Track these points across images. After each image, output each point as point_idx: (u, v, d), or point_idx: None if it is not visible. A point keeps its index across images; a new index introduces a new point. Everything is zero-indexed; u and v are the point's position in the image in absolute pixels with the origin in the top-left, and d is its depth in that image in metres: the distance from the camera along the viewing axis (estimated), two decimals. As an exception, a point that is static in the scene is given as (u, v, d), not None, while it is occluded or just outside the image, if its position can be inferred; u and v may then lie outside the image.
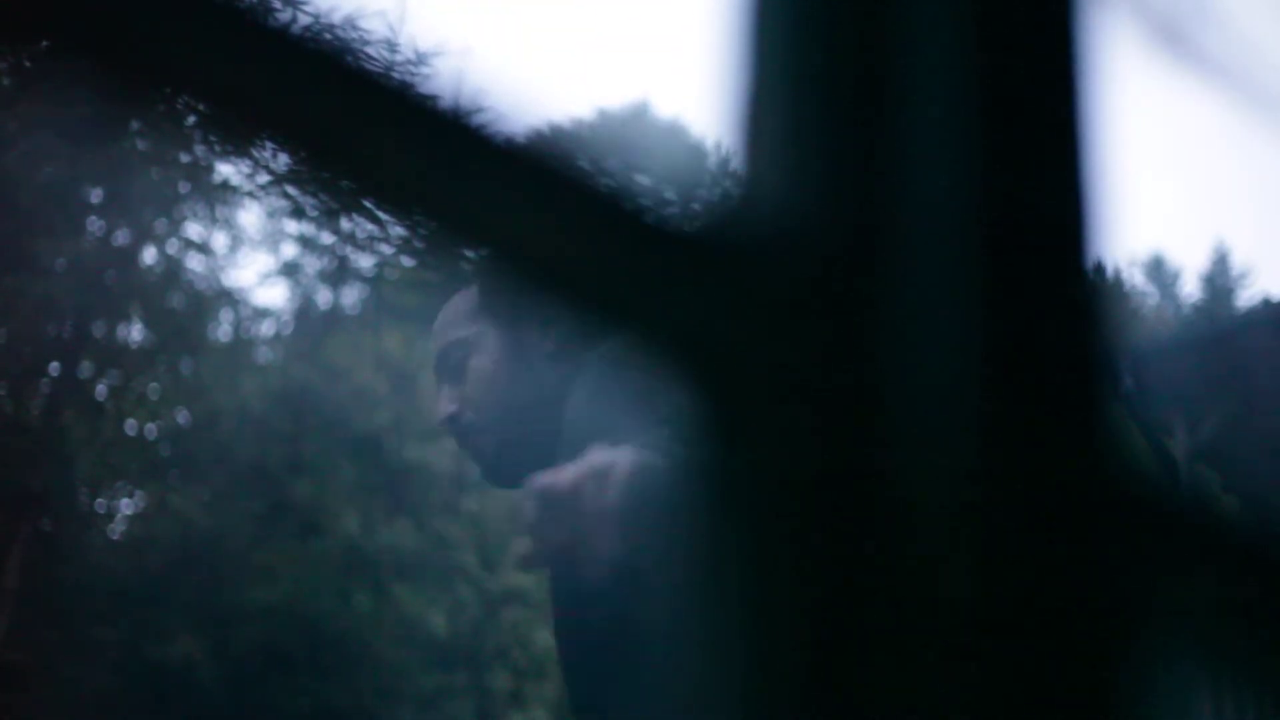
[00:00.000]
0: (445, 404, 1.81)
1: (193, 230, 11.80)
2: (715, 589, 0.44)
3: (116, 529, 14.25)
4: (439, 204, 0.43)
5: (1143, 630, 0.45)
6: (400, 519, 14.32)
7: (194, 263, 12.28)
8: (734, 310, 0.44)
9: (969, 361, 0.44)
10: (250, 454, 13.89)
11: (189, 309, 12.32)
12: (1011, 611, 0.43)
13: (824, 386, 0.43)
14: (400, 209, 0.43)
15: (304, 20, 0.42)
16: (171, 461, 13.94)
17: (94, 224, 11.05)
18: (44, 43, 0.39)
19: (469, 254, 0.44)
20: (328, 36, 0.42)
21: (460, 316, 1.81)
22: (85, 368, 11.33)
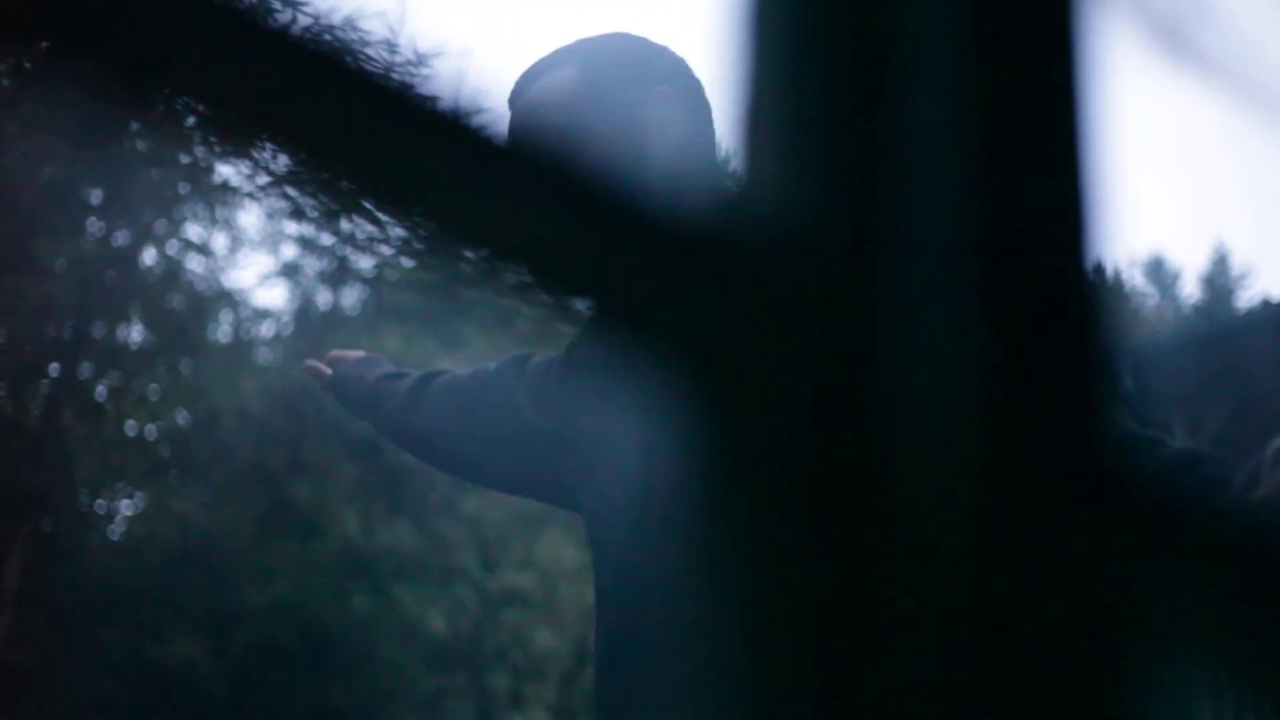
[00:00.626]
0: None
1: (193, 231, 11.81)
2: (715, 588, 0.44)
3: (116, 529, 14.24)
4: (439, 204, 0.43)
5: (1142, 629, 0.45)
6: (400, 519, 14.31)
7: (194, 263, 12.29)
8: (734, 309, 0.44)
9: (969, 361, 0.44)
10: (250, 454, 13.89)
11: (189, 309, 12.33)
12: (1011, 610, 0.43)
13: (824, 385, 0.43)
14: (400, 209, 0.43)
15: (304, 21, 0.42)
16: (171, 462, 13.94)
17: (94, 224, 11.05)
18: (44, 43, 0.39)
19: (469, 254, 0.44)
20: (328, 37, 0.42)
21: None
22: (85, 368, 11.34)
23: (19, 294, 10.05)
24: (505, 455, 1.83)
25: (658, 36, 1.74)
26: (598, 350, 1.67)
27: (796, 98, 0.46)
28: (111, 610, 12.78)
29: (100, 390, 11.63)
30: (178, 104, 0.40)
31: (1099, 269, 0.47)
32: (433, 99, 0.42)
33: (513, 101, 1.71)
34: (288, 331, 16.00)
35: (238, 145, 0.41)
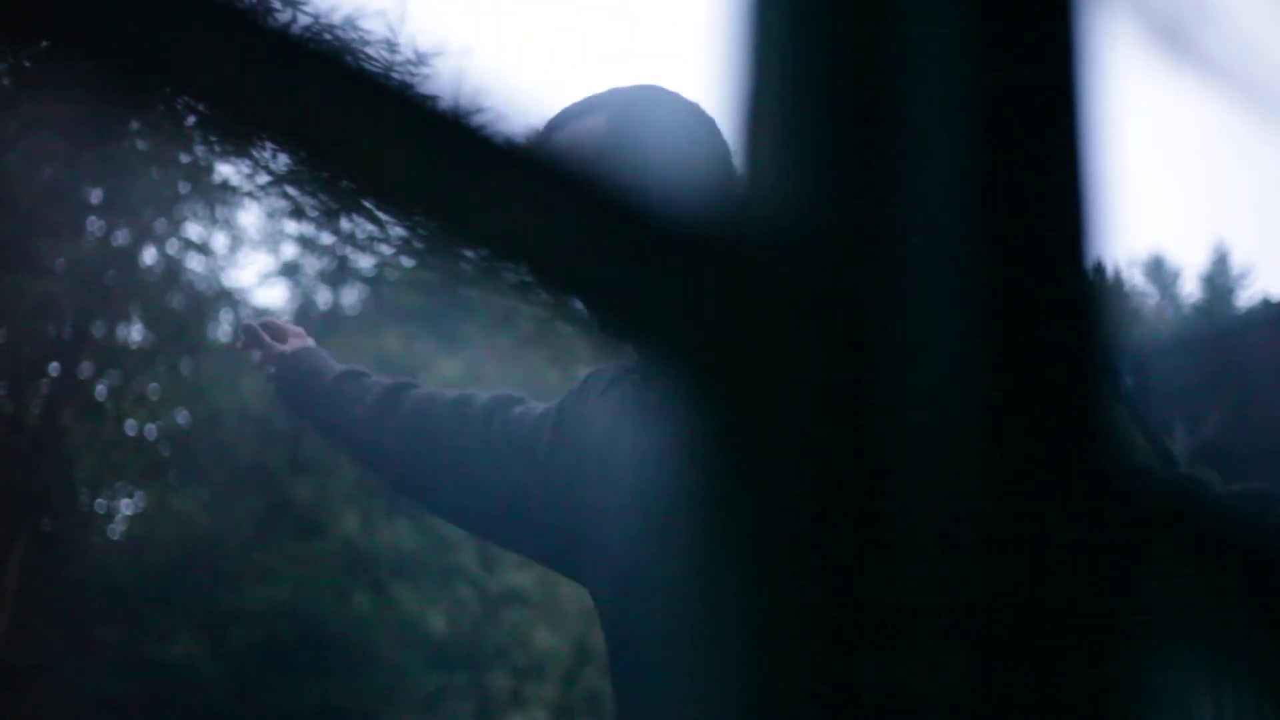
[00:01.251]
0: None
1: (193, 230, 11.80)
2: (715, 588, 0.44)
3: (116, 529, 14.24)
4: (439, 204, 0.43)
5: (1142, 629, 0.45)
6: (400, 519, 14.30)
7: (194, 263, 12.28)
8: (734, 310, 0.44)
9: (969, 361, 0.44)
10: (250, 454, 13.88)
11: (189, 309, 12.32)
12: (1012, 610, 0.43)
13: (824, 386, 0.43)
14: (400, 209, 0.43)
15: (304, 20, 0.42)
16: (171, 461, 13.93)
17: (94, 224, 11.05)
18: (44, 43, 0.39)
19: (469, 254, 0.44)
20: (328, 37, 0.42)
21: None
22: (85, 368, 11.33)
23: (19, 294, 10.05)
24: (478, 499, 1.79)
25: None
26: (614, 369, 1.67)
27: (796, 98, 0.46)
28: (111, 610, 12.77)
29: (100, 390, 11.63)
30: (178, 104, 0.40)
31: (1099, 268, 0.47)
32: (433, 98, 0.42)
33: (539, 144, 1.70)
34: (288, 331, 15.94)
35: (238, 145, 0.41)
